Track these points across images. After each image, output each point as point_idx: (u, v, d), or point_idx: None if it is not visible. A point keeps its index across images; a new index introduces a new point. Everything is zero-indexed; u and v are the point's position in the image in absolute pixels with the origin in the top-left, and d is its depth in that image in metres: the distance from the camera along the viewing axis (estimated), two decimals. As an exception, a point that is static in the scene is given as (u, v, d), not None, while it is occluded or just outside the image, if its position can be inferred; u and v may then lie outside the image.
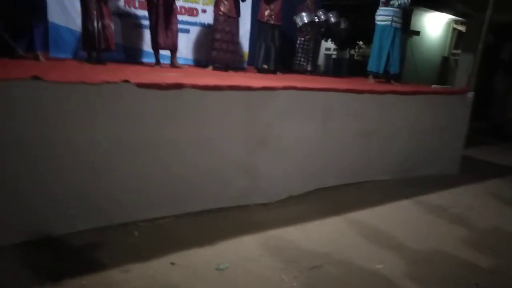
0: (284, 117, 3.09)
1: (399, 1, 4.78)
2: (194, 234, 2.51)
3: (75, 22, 4.38)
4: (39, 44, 3.80)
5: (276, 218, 2.86)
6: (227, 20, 4.87)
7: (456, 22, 10.41)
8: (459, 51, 9.60)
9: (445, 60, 10.10)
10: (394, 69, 4.94)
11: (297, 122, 3.19)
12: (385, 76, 5.10)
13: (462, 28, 10.12)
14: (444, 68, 9.83)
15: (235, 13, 4.92)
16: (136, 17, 5.28)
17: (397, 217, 3.13)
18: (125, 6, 5.18)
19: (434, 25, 10.09)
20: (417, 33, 9.49)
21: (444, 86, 5.52)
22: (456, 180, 4.24)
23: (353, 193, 3.56)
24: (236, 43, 5.13)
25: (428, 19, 9.88)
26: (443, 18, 10.22)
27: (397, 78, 5.27)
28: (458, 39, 10.42)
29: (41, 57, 3.79)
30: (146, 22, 5.14)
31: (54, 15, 4.67)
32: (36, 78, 2.05)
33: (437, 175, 4.28)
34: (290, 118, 3.14)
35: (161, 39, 4.57)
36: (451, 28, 10.49)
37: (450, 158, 4.42)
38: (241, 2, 4.98)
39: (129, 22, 5.24)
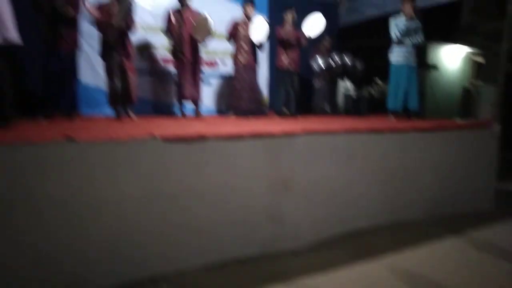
0: (307, 160, 3.11)
1: (412, 40, 4.88)
2: (223, 285, 2.47)
3: (103, 79, 4.66)
4: (71, 104, 4.05)
5: (305, 265, 2.79)
6: (246, 69, 5.08)
7: (473, 53, 10.41)
8: (479, 82, 9.50)
9: (466, 91, 9.98)
10: (413, 106, 4.95)
11: (321, 165, 3.19)
12: (406, 113, 5.09)
13: (480, 59, 10.09)
14: (466, 100, 9.69)
15: (254, 62, 5.14)
16: (161, 72, 5.58)
17: (437, 259, 2.96)
18: (150, 62, 5.51)
19: (452, 58, 10.09)
20: (435, 67, 9.50)
21: (468, 119, 5.42)
22: (492, 215, 4.04)
23: (386, 235, 3.43)
24: (256, 90, 5.30)
25: (444, 52, 9.89)
26: (460, 50, 10.24)
27: (418, 114, 5.25)
28: (477, 69, 10.36)
29: (73, 116, 4.03)
30: (169, 76, 5.43)
31: (85, 75, 5.03)
32: (68, 139, 2.17)
33: (470, 211, 4.11)
34: (313, 161, 3.15)
35: (187, 91, 4.80)
36: (469, 60, 10.47)
37: (482, 192, 4.26)
38: (258, 51, 5.21)
39: (154, 77, 5.55)
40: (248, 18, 5.07)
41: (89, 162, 2.24)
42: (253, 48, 5.09)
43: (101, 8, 4.20)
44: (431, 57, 9.32)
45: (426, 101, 5.96)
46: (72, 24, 3.99)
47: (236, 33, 5.06)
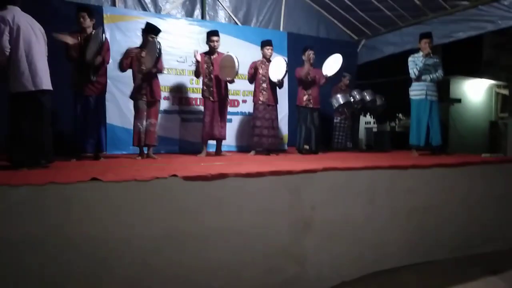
0: (328, 199, 3.07)
1: (431, 76, 4.89)
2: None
3: (129, 121, 4.84)
4: (98, 145, 4.22)
5: (329, 308, 2.69)
6: (266, 108, 5.18)
7: (498, 86, 10.26)
8: (506, 115, 9.28)
9: (493, 125, 9.76)
10: (436, 141, 4.87)
11: (343, 203, 3.14)
12: (429, 149, 5.00)
13: (505, 91, 9.91)
14: (494, 133, 9.45)
15: (273, 100, 5.24)
16: (183, 112, 5.77)
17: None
18: (173, 103, 5.71)
19: (476, 91, 9.99)
20: (458, 100, 9.41)
21: (496, 154, 5.26)
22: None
23: (414, 276, 3.26)
24: (276, 128, 5.37)
25: (468, 86, 9.83)
26: (484, 84, 10.12)
27: (442, 149, 5.15)
28: (503, 102, 10.15)
29: (100, 157, 4.18)
30: (192, 116, 5.59)
31: (112, 117, 5.24)
32: (95, 179, 2.25)
33: (503, 250, 3.89)
34: (335, 199, 3.11)
35: (215, 131, 4.94)
36: (493, 92, 10.31)
37: (516, 230, 4.04)
38: (278, 89, 5.32)
39: (177, 117, 5.73)
40: (267, 58, 5.23)
41: (113, 201, 2.30)
42: (273, 86, 5.20)
43: (130, 53, 4.44)
44: (454, 91, 9.28)
45: (450, 136, 5.86)
46: (100, 71, 4.19)
47: (255, 73, 5.22)
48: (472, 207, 3.82)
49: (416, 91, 4.96)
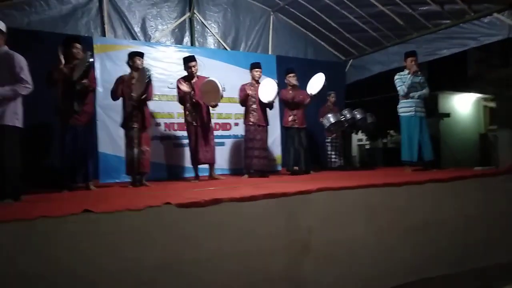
0: (324, 219, 3.05)
1: (418, 93, 4.98)
2: None
3: (121, 149, 4.81)
4: (88, 175, 4.15)
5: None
6: (257, 128, 5.20)
7: (485, 99, 10.46)
8: (495, 127, 9.43)
9: (483, 137, 9.88)
10: (428, 156, 4.92)
11: (339, 223, 3.12)
12: (422, 164, 5.04)
13: (492, 104, 10.10)
14: (484, 145, 9.56)
15: (264, 121, 5.27)
16: (176, 138, 5.76)
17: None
18: (165, 129, 5.71)
19: (464, 105, 10.16)
20: (447, 115, 9.54)
21: (488, 167, 5.31)
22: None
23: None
24: (267, 149, 5.38)
25: (456, 100, 10.00)
26: (471, 97, 10.31)
27: (435, 164, 5.18)
28: (491, 115, 10.33)
29: (92, 186, 4.13)
30: (184, 141, 5.58)
31: (103, 145, 5.21)
32: (87, 211, 2.21)
33: (502, 263, 3.86)
34: (331, 220, 3.08)
35: (201, 155, 4.89)
36: (481, 106, 10.49)
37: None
38: (268, 111, 5.36)
39: (170, 143, 5.72)
40: (256, 80, 5.29)
41: (106, 232, 2.26)
42: (263, 108, 5.24)
43: (121, 80, 4.47)
44: (443, 106, 9.43)
45: (441, 150, 5.91)
46: (87, 100, 4.12)
47: (246, 96, 5.26)
48: (468, 221, 3.81)
49: (405, 108, 5.03)
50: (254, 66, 5.34)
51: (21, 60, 3.16)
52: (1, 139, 3.02)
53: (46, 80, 3.96)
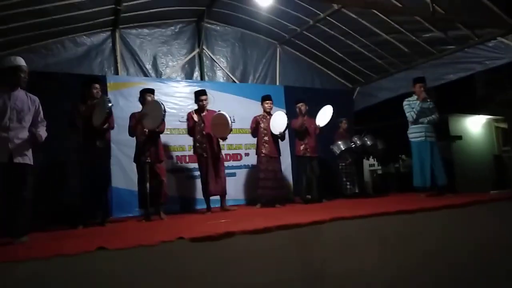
0: (339, 249, 3.00)
1: (427, 118, 4.97)
2: None
3: (133, 183, 4.87)
4: (104, 212, 4.20)
5: None
6: (269, 160, 5.24)
7: (496, 120, 10.36)
8: (509, 148, 9.30)
9: (497, 158, 9.72)
10: (442, 181, 4.85)
11: (354, 253, 3.06)
12: (436, 189, 4.96)
13: (504, 125, 10.00)
14: (499, 167, 9.39)
15: (276, 152, 5.31)
16: (188, 170, 5.82)
17: None
18: (177, 162, 5.78)
19: (475, 127, 10.07)
20: (459, 137, 9.46)
21: (504, 191, 5.20)
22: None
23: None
24: (280, 179, 5.38)
25: (467, 122, 9.94)
26: (482, 119, 10.24)
27: (450, 188, 5.09)
28: (504, 136, 10.20)
29: (106, 223, 4.15)
30: (196, 173, 5.62)
31: (116, 180, 5.28)
32: (101, 248, 2.23)
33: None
34: (346, 249, 3.03)
35: (212, 187, 4.91)
36: (493, 127, 10.39)
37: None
38: (280, 142, 5.40)
39: (182, 175, 5.78)
40: (267, 112, 5.38)
41: (120, 269, 2.26)
42: (275, 139, 5.30)
43: (134, 116, 4.58)
44: (454, 128, 9.36)
45: (456, 174, 5.82)
46: (105, 138, 4.23)
47: (257, 127, 5.33)
48: (485, 246, 3.70)
49: (416, 133, 5.02)
50: (265, 98, 5.45)
51: (39, 103, 3.30)
52: (26, 179, 3.09)
53: (69, 124, 4.14)
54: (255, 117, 5.43)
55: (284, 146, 6.15)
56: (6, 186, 2.99)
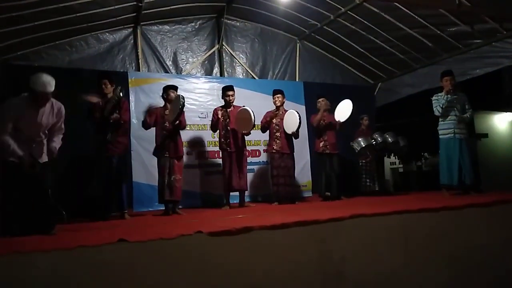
0: (358, 247, 2.95)
1: (457, 113, 4.79)
2: None
3: (154, 178, 4.94)
4: (123, 205, 4.25)
5: None
6: (281, 156, 5.19)
7: (525, 118, 10.00)
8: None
9: (526, 157, 9.39)
10: (470, 179, 4.69)
11: (374, 251, 3.01)
12: (461, 187, 4.82)
13: (533, 123, 9.65)
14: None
15: (288, 149, 5.24)
16: (207, 166, 5.86)
17: None
18: (197, 157, 5.83)
19: (502, 125, 9.76)
20: (485, 135, 9.18)
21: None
22: None
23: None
24: (292, 176, 5.33)
25: (493, 120, 9.64)
26: (509, 117, 9.91)
27: (475, 187, 4.93)
28: (533, 134, 9.83)
29: (126, 215, 4.22)
30: (215, 169, 5.66)
31: (137, 175, 5.37)
32: (121, 240, 2.27)
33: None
34: (366, 247, 2.98)
35: (234, 182, 4.95)
36: (521, 125, 10.03)
37: None
38: (294, 139, 5.33)
39: (202, 171, 5.82)
40: (278, 107, 5.32)
41: (139, 261, 2.30)
42: (287, 135, 5.23)
43: (154, 111, 4.64)
44: (480, 126, 9.08)
45: (480, 173, 5.65)
46: (120, 131, 4.26)
47: (269, 123, 5.31)
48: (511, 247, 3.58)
49: (444, 130, 4.87)
50: (274, 93, 5.40)
51: (63, 110, 3.33)
52: (45, 176, 3.15)
53: (88, 118, 4.23)
54: (268, 112, 5.40)
55: (303, 142, 6.12)
56: (27, 184, 3.05)
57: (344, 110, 5.47)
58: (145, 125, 4.69)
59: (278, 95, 5.34)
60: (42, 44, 5.31)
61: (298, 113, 5.19)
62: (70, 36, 5.53)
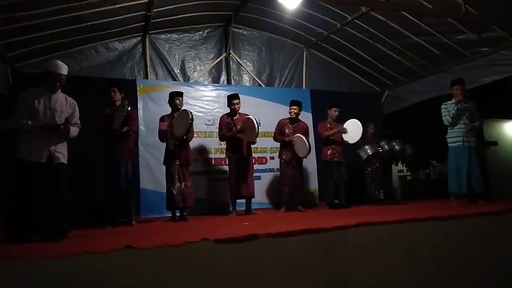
0: (365, 256, 2.94)
1: (466, 122, 4.75)
2: None
3: (161, 185, 4.98)
4: (130, 211, 4.29)
5: None
6: (291, 164, 5.22)
7: (534, 126, 9.88)
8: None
9: (536, 166, 9.24)
10: (479, 188, 4.65)
11: (381, 260, 2.98)
12: (470, 196, 4.77)
13: (543, 131, 9.51)
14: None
15: (296, 160, 5.27)
16: (214, 173, 5.88)
17: None
18: (203, 164, 5.86)
19: (511, 132, 9.65)
20: (495, 143, 9.08)
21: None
22: None
23: None
24: (301, 184, 5.33)
25: (503, 128, 9.54)
26: (519, 125, 9.79)
27: (485, 196, 4.88)
28: (543, 142, 9.69)
29: (133, 222, 4.26)
30: (221, 176, 5.68)
31: (145, 182, 5.41)
32: (128, 247, 2.29)
33: None
34: (372, 256, 2.96)
35: (241, 189, 4.96)
36: (531, 133, 9.90)
37: None
38: None
39: (208, 178, 5.85)
40: (292, 118, 5.34)
41: (146, 268, 2.31)
42: None
43: (164, 119, 4.69)
44: (489, 134, 8.99)
45: (491, 180, 5.58)
46: (129, 139, 4.32)
47: (282, 132, 5.33)
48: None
49: (453, 138, 4.84)
50: (291, 103, 5.40)
51: (77, 106, 3.42)
52: (63, 178, 3.20)
53: (98, 131, 4.28)
54: (280, 121, 5.41)
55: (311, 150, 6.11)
56: (43, 187, 3.07)
57: (353, 132, 5.43)
58: (161, 136, 4.67)
59: (295, 106, 5.34)
60: (53, 53, 5.41)
61: (307, 140, 5.15)
62: (80, 44, 5.64)
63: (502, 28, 5.23)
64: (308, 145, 5.07)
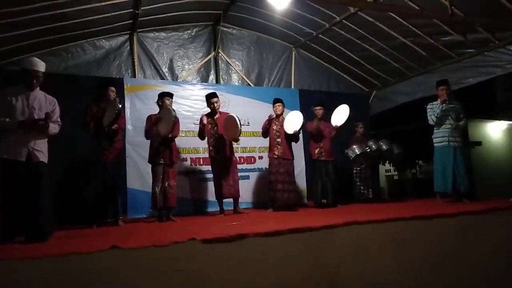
0: (352, 255, 2.96)
1: (451, 122, 4.82)
2: None
3: (149, 184, 4.92)
4: (117, 211, 4.25)
5: None
6: (281, 162, 5.20)
7: (517, 126, 10.09)
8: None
9: (520, 164, 9.45)
10: (464, 187, 4.73)
11: (368, 259, 3.01)
12: (455, 195, 4.85)
13: (526, 131, 9.73)
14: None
15: (289, 154, 5.26)
16: (201, 172, 5.85)
17: None
18: (191, 164, 5.83)
19: (495, 133, 9.84)
20: (479, 143, 9.25)
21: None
22: None
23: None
24: (293, 182, 5.33)
25: (487, 128, 9.72)
26: (502, 125, 10.00)
27: (470, 195, 4.96)
28: (526, 142, 9.92)
29: (120, 222, 4.21)
30: (210, 176, 5.65)
31: (132, 181, 5.36)
32: (115, 247, 2.27)
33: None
34: (359, 255, 2.99)
35: (225, 189, 4.92)
36: (513, 133, 10.12)
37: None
38: (293, 144, 5.36)
39: (196, 177, 5.81)
40: (278, 116, 5.34)
41: (133, 268, 2.29)
42: (288, 141, 5.25)
43: (150, 118, 4.64)
44: (473, 134, 9.15)
45: (474, 180, 5.67)
46: (116, 137, 4.28)
47: (269, 129, 5.32)
48: (503, 254, 3.59)
49: (439, 138, 4.91)
50: (275, 101, 5.40)
51: (57, 104, 3.35)
52: (44, 177, 3.12)
53: (80, 124, 4.18)
54: (267, 118, 5.42)
55: (298, 149, 6.12)
56: (24, 186, 3.00)
57: (341, 114, 5.52)
58: (147, 135, 4.64)
59: (279, 103, 5.36)
60: (38, 50, 5.30)
61: (300, 114, 5.22)
62: (66, 42, 5.54)
63: (487, 30, 5.32)
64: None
